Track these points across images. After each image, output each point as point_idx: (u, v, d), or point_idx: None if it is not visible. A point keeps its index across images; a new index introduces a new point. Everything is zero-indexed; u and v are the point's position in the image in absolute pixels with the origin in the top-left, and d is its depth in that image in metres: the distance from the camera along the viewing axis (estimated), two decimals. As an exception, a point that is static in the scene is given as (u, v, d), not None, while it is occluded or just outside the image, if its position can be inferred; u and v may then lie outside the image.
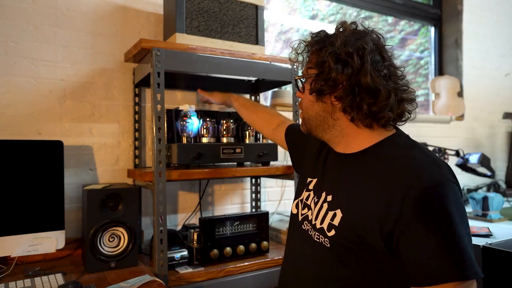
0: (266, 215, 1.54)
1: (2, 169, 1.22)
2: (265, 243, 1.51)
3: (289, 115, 2.03)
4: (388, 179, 0.77)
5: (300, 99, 0.97)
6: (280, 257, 1.50)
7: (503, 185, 2.73)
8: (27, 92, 1.47)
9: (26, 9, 1.47)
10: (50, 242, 1.26)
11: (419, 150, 0.82)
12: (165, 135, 1.31)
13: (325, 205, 0.88)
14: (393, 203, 0.74)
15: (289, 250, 1.01)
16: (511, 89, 3.19)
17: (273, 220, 1.87)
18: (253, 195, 1.91)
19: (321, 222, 0.87)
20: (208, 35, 1.47)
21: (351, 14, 2.61)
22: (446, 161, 1.89)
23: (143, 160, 1.69)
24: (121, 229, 1.29)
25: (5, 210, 1.22)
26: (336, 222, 0.83)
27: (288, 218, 1.92)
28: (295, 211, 1.01)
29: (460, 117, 2.89)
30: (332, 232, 0.83)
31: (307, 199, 0.97)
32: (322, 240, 0.86)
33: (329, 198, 0.88)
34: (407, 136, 0.88)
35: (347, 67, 0.81)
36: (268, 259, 1.47)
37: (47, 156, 1.29)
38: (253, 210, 1.90)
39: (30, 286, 1.10)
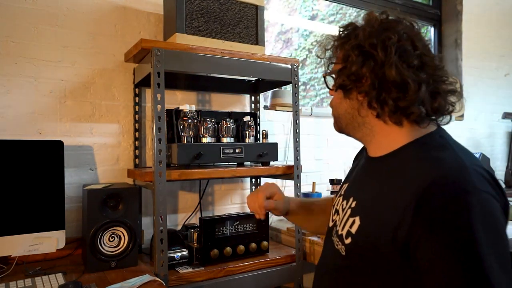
0: (266, 215, 1.54)
1: (2, 169, 1.22)
2: (265, 243, 1.51)
3: (289, 115, 2.04)
4: (407, 184, 0.70)
5: (332, 97, 0.91)
6: (280, 256, 1.51)
7: (502, 185, 2.74)
8: (28, 92, 1.47)
9: (26, 9, 1.47)
10: (50, 242, 1.26)
11: (452, 152, 0.72)
12: (165, 135, 1.31)
13: (349, 211, 0.83)
14: (408, 210, 0.66)
15: (321, 254, 0.97)
16: (511, 89, 3.19)
17: (273, 220, 1.87)
18: (253, 195, 1.91)
19: (342, 229, 0.83)
20: (208, 35, 1.47)
21: (351, 14, 2.61)
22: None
23: (143, 160, 1.69)
24: (121, 229, 1.29)
25: (6, 210, 1.22)
26: (353, 230, 0.78)
27: (288, 218, 1.93)
28: (330, 217, 0.98)
29: (460, 117, 2.89)
30: (349, 240, 0.79)
31: (337, 204, 0.93)
32: (340, 247, 0.81)
33: (354, 204, 0.83)
34: (442, 136, 0.78)
35: (369, 59, 0.76)
36: (268, 259, 1.48)
37: (47, 156, 1.29)
38: (253, 210, 1.90)
39: (30, 286, 1.10)
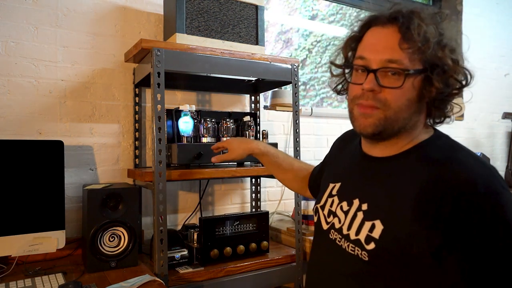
0: (266, 215, 1.55)
1: (2, 169, 1.22)
2: (265, 243, 1.51)
3: (289, 115, 2.04)
4: (435, 185, 0.69)
5: (371, 89, 0.76)
6: (280, 256, 1.51)
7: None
8: (28, 92, 1.47)
9: (26, 9, 1.47)
10: (50, 241, 1.26)
11: (466, 153, 0.74)
12: (165, 135, 1.31)
13: (360, 214, 0.79)
14: (442, 213, 0.66)
15: (315, 258, 0.93)
16: (511, 89, 3.19)
17: (273, 220, 1.87)
18: (253, 195, 1.92)
19: (357, 233, 0.78)
20: (208, 35, 1.48)
21: (351, 14, 2.61)
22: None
23: (143, 160, 1.69)
24: (121, 229, 1.29)
25: (6, 210, 1.22)
26: (376, 234, 0.74)
27: (288, 218, 1.93)
28: (316, 219, 0.94)
29: (460, 117, 2.89)
30: (372, 246, 0.75)
31: (331, 205, 0.89)
32: (359, 253, 0.77)
33: (365, 206, 0.79)
34: (447, 137, 0.80)
35: (455, 55, 0.78)
36: (268, 259, 1.48)
37: (47, 156, 1.29)
38: (253, 210, 1.91)
39: (30, 286, 1.10)
